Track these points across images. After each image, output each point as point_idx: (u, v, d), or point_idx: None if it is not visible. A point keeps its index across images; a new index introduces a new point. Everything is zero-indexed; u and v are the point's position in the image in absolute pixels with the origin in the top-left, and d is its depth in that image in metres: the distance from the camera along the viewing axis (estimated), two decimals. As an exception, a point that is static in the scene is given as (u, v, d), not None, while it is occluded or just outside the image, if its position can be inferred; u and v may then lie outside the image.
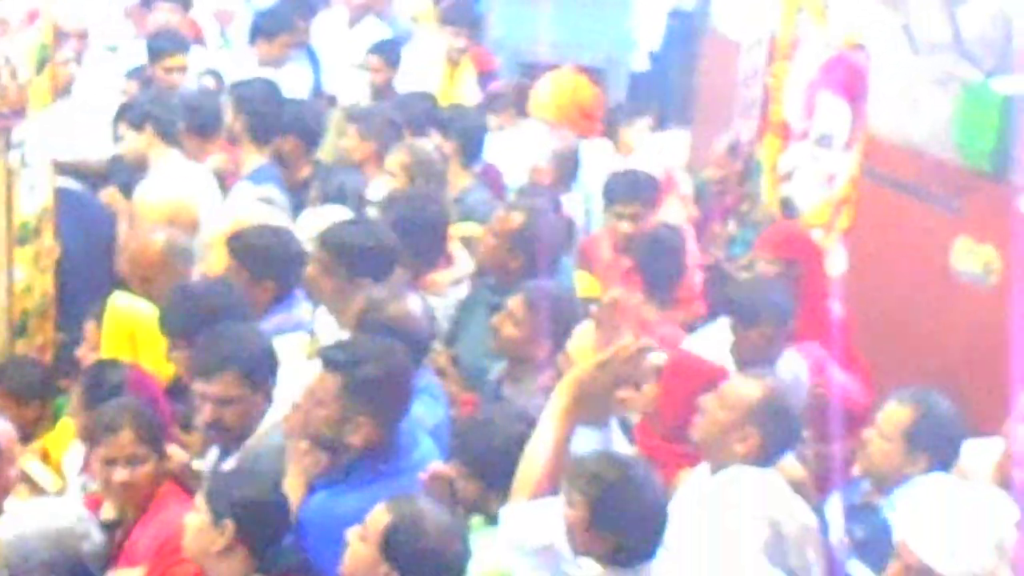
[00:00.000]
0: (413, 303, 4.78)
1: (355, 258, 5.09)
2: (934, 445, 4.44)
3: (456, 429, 4.41)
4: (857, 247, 6.66)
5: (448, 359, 5.28)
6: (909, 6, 6.01)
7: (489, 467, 4.06)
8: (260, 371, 4.45)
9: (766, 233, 6.43)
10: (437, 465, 4.21)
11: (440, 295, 5.58)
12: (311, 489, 4.18)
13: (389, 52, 8.36)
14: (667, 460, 4.61)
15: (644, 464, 3.98)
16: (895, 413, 4.50)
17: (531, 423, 4.10)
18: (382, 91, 8.13)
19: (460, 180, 6.66)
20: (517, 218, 5.61)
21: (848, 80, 7.11)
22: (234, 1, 9.77)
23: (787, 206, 7.48)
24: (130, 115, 6.52)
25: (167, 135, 6.41)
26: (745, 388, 4.47)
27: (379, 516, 3.69)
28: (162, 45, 7.88)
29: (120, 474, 4.16)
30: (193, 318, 4.68)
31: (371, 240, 5.17)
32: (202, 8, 9.50)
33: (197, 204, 6.07)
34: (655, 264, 6.08)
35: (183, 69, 7.84)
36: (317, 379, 4.23)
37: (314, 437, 4.20)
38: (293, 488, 4.14)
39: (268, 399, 4.48)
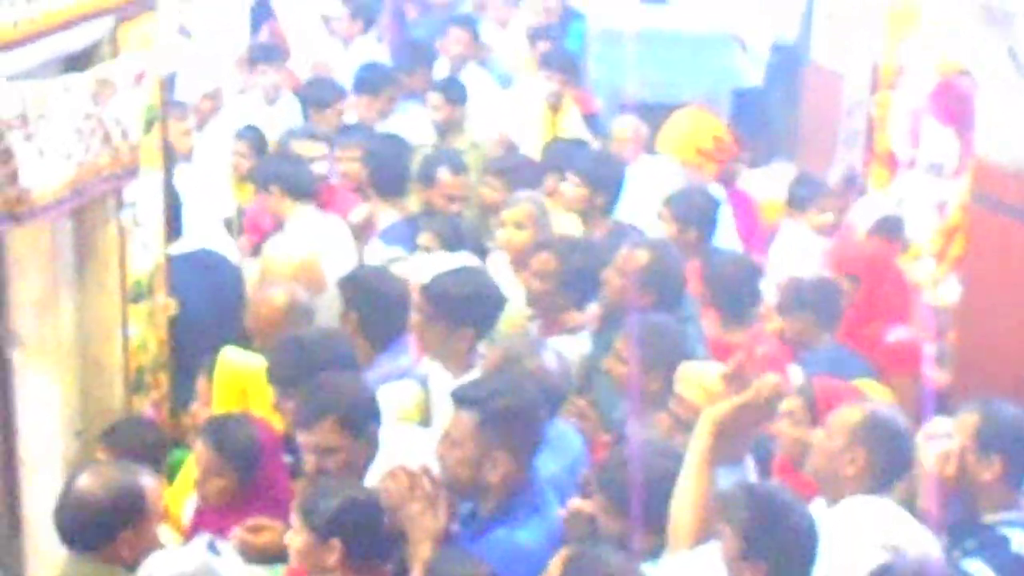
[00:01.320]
0: (549, 357, 4.82)
1: (457, 307, 5.11)
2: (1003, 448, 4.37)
3: (599, 466, 4.40)
4: (970, 274, 6.56)
5: (586, 403, 5.28)
6: (1014, 29, 5.92)
7: (632, 502, 4.06)
8: (360, 419, 4.47)
9: (832, 248, 6.52)
10: (576, 502, 4.23)
11: (575, 334, 5.68)
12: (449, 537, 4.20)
13: (451, 89, 8.38)
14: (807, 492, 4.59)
15: (791, 492, 4.02)
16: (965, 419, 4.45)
17: (674, 458, 4.15)
18: (445, 129, 8.15)
19: (600, 227, 6.68)
20: (643, 256, 5.67)
21: (954, 107, 7.04)
22: (333, 54, 9.91)
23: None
24: (255, 176, 6.74)
25: (295, 192, 6.53)
26: (847, 413, 4.44)
27: (559, 562, 3.78)
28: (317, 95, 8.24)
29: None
30: (299, 368, 4.72)
31: (473, 289, 5.18)
32: (299, 63, 9.63)
33: (324, 261, 6.13)
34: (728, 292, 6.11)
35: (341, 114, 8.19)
36: (451, 421, 4.27)
37: (452, 481, 4.21)
38: (418, 552, 4.11)
39: (372, 446, 4.49)
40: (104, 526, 4.18)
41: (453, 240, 6.27)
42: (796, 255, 7.07)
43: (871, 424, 4.38)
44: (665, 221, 6.62)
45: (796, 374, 5.54)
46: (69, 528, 4.21)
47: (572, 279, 5.68)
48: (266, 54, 8.99)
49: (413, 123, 8.26)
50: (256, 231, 6.88)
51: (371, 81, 8.51)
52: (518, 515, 4.18)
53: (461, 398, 4.28)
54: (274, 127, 8.16)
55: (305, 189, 6.61)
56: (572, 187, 6.75)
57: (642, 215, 7.01)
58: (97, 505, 4.17)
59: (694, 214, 6.60)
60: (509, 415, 4.18)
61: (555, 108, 8.58)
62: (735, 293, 6.03)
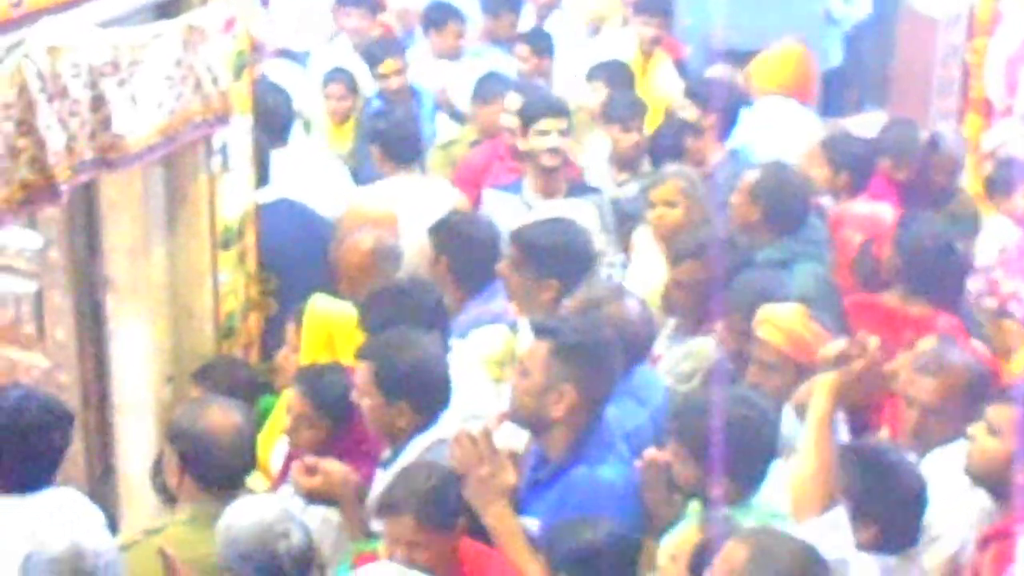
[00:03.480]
0: (632, 304, 4.77)
1: (545, 257, 5.08)
2: None
3: (676, 411, 4.37)
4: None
5: None
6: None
7: (709, 449, 4.02)
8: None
9: None
10: (652, 452, 4.20)
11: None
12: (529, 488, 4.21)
13: (538, 40, 8.25)
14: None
15: (898, 450, 4.03)
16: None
17: (751, 405, 4.13)
18: (532, 80, 7.93)
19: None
20: (753, 174, 5.77)
21: (1052, 54, 6.92)
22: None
23: (992, 185, 7.27)
24: (364, 129, 6.73)
25: (394, 156, 6.49)
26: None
27: (688, 537, 3.83)
28: (376, 51, 8.05)
29: (400, 556, 4.05)
30: (390, 318, 4.70)
31: (562, 241, 5.15)
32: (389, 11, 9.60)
33: (405, 220, 6.07)
34: None
35: (400, 72, 7.96)
36: (527, 349, 4.29)
37: (518, 410, 4.22)
38: (500, 516, 4.10)
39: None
40: (240, 464, 4.27)
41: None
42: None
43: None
44: (818, 164, 6.51)
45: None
46: (203, 465, 4.24)
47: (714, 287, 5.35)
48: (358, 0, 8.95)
49: (499, 68, 8.24)
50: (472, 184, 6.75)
51: (435, 18, 8.49)
52: (594, 453, 4.17)
53: (537, 328, 4.31)
54: (363, 74, 8.16)
55: (405, 155, 6.51)
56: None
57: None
58: (235, 443, 4.24)
59: (848, 159, 6.48)
60: (581, 349, 4.17)
61: (648, 55, 8.48)
62: (928, 267, 5.64)
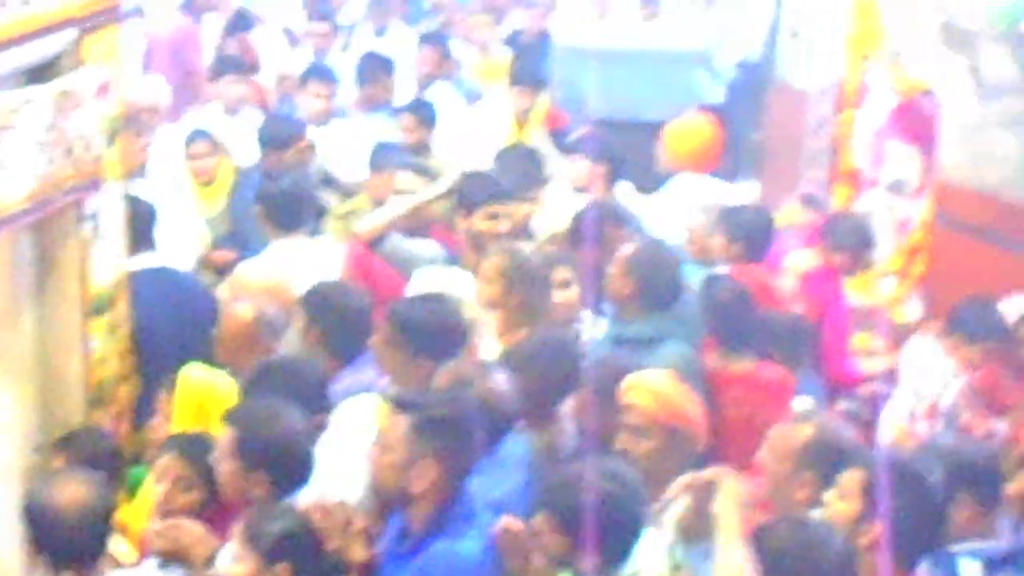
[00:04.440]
0: (499, 380, 4.75)
1: (417, 336, 5.05)
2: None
3: (546, 484, 4.35)
4: (932, 294, 6.59)
5: None
6: (976, 49, 5.96)
7: (579, 522, 4.01)
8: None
9: None
10: (507, 520, 4.18)
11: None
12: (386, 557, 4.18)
13: (422, 111, 8.33)
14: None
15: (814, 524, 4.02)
16: None
17: (619, 478, 4.13)
18: (417, 151, 8.02)
19: None
20: (630, 248, 5.81)
21: (917, 126, 7.07)
22: (296, 65, 9.90)
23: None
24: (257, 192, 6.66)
25: (275, 219, 6.41)
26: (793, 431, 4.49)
27: None
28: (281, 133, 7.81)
29: None
30: (271, 394, 4.65)
31: (434, 319, 5.12)
32: (266, 74, 9.62)
33: (297, 284, 5.97)
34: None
35: (310, 149, 7.84)
36: (386, 424, 4.24)
37: (379, 486, 4.20)
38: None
39: None
40: (91, 541, 4.17)
41: None
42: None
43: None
44: (717, 234, 6.66)
45: (803, 402, 5.55)
46: (51, 542, 4.16)
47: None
48: (233, 65, 8.97)
49: (377, 134, 8.27)
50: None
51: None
52: (454, 527, 4.13)
53: (397, 402, 4.27)
54: (233, 140, 8.14)
55: (286, 219, 6.43)
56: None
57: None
58: (85, 519, 4.14)
59: (742, 230, 6.62)
60: (442, 423, 4.15)
61: (522, 124, 8.58)
62: (733, 320, 5.87)
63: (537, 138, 8.48)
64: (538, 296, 5.67)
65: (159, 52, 9.90)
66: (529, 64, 9.23)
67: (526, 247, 5.96)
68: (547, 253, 5.99)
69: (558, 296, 5.82)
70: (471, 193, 6.34)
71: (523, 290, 5.60)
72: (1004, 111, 6.03)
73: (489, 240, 6.13)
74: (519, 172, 7.05)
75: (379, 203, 6.93)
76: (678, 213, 7.32)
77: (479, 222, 6.24)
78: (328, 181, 7.99)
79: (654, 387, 4.76)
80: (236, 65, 9.04)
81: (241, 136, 8.20)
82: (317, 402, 4.78)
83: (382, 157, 7.26)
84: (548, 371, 5.03)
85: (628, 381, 4.80)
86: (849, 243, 6.70)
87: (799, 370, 5.89)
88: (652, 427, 4.68)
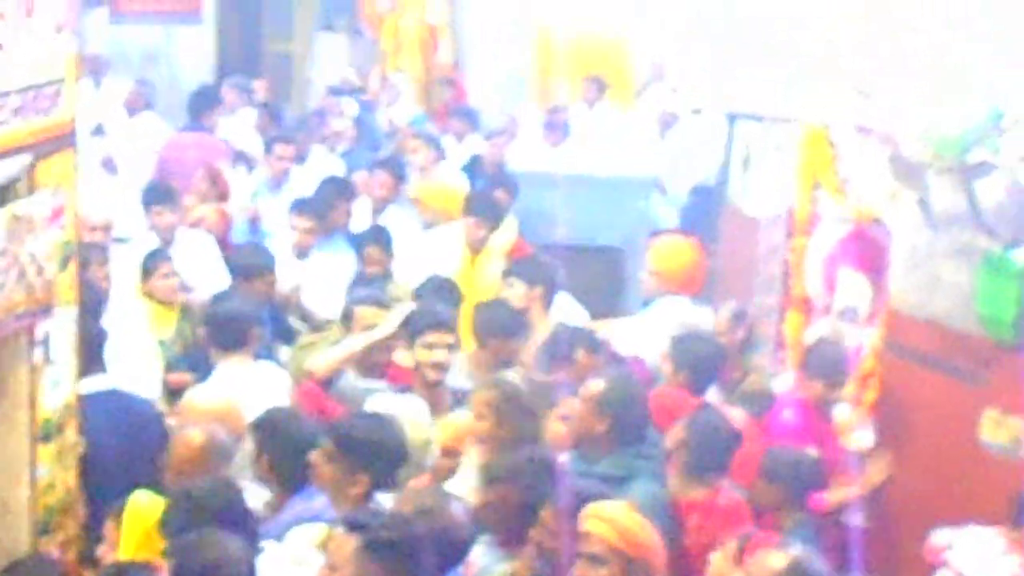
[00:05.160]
0: (457, 508, 4.78)
1: (357, 451, 5.09)
2: None
3: None
4: (884, 421, 6.62)
5: None
6: (925, 181, 6.04)
7: None
8: None
9: None
10: None
11: None
12: None
13: (383, 239, 8.44)
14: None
15: None
16: None
17: None
18: (375, 280, 8.14)
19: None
20: (598, 385, 5.78)
21: (868, 254, 7.13)
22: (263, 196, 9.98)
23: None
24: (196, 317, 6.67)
25: (220, 343, 6.55)
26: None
27: None
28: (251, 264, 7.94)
29: None
30: (188, 521, 4.64)
31: (375, 437, 5.16)
32: (234, 202, 9.66)
33: (246, 408, 5.99)
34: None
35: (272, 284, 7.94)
36: (333, 544, 4.24)
37: None
38: None
39: None
40: None
41: None
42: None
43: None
44: (664, 360, 6.77)
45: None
46: None
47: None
48: (159, 196, 8.90)
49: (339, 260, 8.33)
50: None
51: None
52: None
53: (347, 522, 4.28)
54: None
55: (231, 341, 6.56)
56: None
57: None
58: None
59: (688, 358, 6.66)
60: (391, 545, 4.14)
61: (475, 252, 8.61)
62: (699, 447, 5.84)
63: (490, 267, 8.49)
64: (529, 428, 5.66)
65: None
66: (485, 196, 9.24)
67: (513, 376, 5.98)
68: (538, 382, 5.96)
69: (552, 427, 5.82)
70: (412, 323, 6.41)
71: (514, 423, 5.62)
72: (952, 240, 6.09)
73: (427, 370, 6.16)
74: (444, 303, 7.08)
75: None
76: (658, 336, 7.34)
77: (419, 351, 6.30)
78: (306, 316, 8.08)
79: (612, 517, 4.76)
80: (164, 195, 8.95)
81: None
82: (239, 524, 4.73)
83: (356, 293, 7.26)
84: (531, 488, 5.04)
85: (588, 510, 4.81)
86: (825, 372, 6.76)
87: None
88: (609, 556, 4.68)
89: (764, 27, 8.82)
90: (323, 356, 6.48)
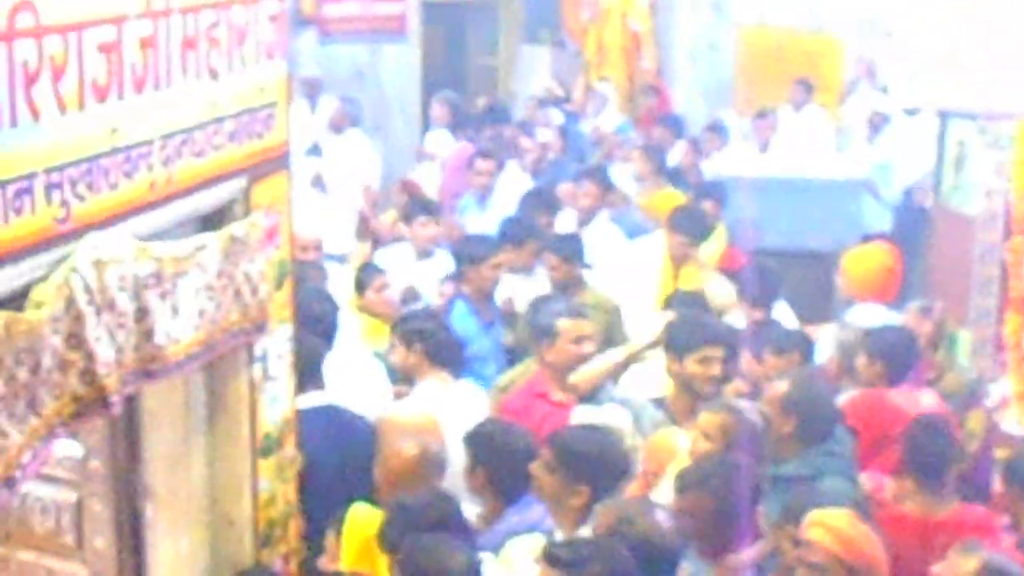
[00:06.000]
0: (661, 518, 4.73)
1: (578, 463, 5.10)
2: None
3: None
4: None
5: None
6: None
7: None
8: None
9: None
10: None
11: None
12: None
13: (567, 248, 8.31)
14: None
15: None
16: None
17: None
18: (565, 287, 8.04)
19: None
20: (783, 385, 5.83)
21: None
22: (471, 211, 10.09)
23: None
24: (403, 329, 6.75)
25: (435, 355, 6.61)
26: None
27: None
28: (474, 250, 8.10)
29: None
30: (405, 532, 4.70)
31: (596, 448, 5.17)
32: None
33: (445, 425, 6.07)
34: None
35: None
36: None
37: None
38: None
39: None
40: None
41: None
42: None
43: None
44: (861, 355, 6.84)
45: None
46: None
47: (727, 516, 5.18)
48: (424, 208, 9.08)
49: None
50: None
51: (513, 235, 8.57)
52: None
53: (551, 558, 4.24)
54: (426, 282, 8.28)
55: (446, 355, 6.65)
56: None
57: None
58: None
59: (882, 348, 6.78)
60: None
61: (678, 265, 8.53)
62: (934, 460, 5.78)
63: (693, 279, 8.42)
64: (754, 453, 5.60)
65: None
66: (688, 210, 9.06)
67: (744, 404, 5.94)
68: (764, 413, 5.90)
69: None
70: (682, 337, 6.34)
71: (740, 447, 5.55)
72: None
73: (701, 384, 6.13)
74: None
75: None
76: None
77: (691, 366, 6.23)
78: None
79: (834, 525, 4.72)
80: (427, 207, 9.14)
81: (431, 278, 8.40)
82: (462, 538, 4.78)
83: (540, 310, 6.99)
84: (722, 493, 5.02)
85: (810, 518, 4.76)
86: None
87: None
88: (832, 565, 4.64)
89: (976, 22, 8.63)
90: (585, 371, 6.45)
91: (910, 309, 7.68)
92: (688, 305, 7.32)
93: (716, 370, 6.21)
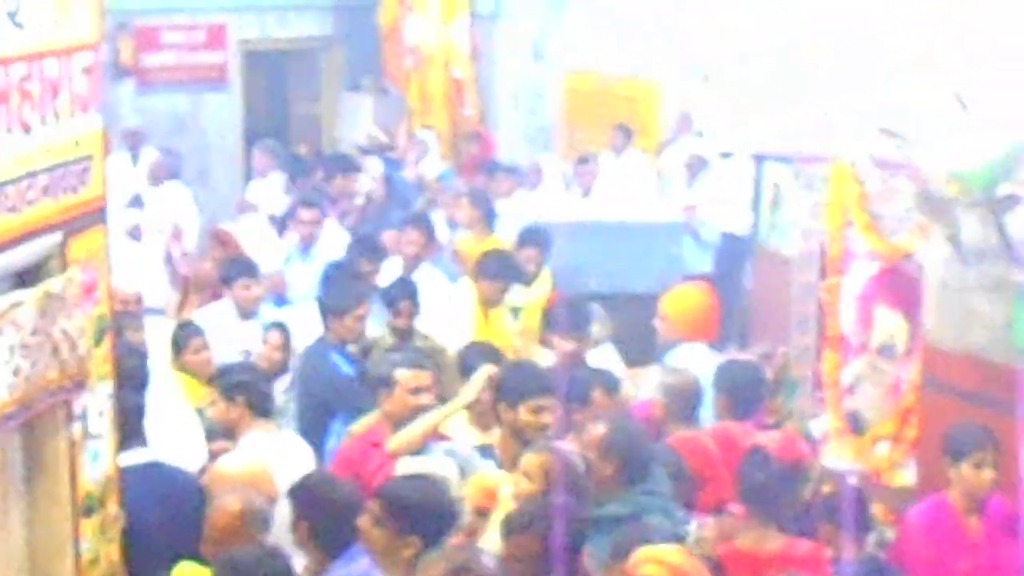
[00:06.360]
0: (490, 563, 4.76)
1: (407, 513, 5.09)
2: None
3: None
4: (924, 457, 6.58)
5: None
6: (955, 216, 6.03)
7: None
8: None
9: None
10: None
11: None
12: None
13: (413, 296, 8.38)
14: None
15: None
16: None
17: None
18: (402, 333, 8.18)
19: None
20: (600, 428, 5.82)
21: (901, 290, 7.13)
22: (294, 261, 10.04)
23: (853, 420, 7.43)
24: (223, 383, 6.69)
25: (257, 407, 6.58)
26: None
27: None
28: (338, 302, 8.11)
29: None
30: None
31: (425, 497, 5.17)
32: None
33: (275, 475, 6.06)
34: None
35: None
36: None
37: None
38: None
39: None
40: None
41: None
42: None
43: None
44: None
45: None
46: None
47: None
48: (243, 269, 8.99)
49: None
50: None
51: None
52: None
53: None
54: (249, 343, 8.21)
55: (268, 407, 6.67)
56: None
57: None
58: None
59: (728, 384, 7.06)
60: None
61: (489, 307, 8.71)
62: (765, 491, 5.95)
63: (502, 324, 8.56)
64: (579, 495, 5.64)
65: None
66: (494, 255, 9.19)
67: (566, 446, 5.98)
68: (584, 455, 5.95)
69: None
70: (517, 385, 6.36)
71: (562, 488, 5.58)
72: (985, 274, 6.07)
73: (532, 432, 6.17)
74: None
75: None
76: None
77: (524, 414, 6.25)
78: None
79: (667, 559, 4.82)
80: (246, 269, 9.05)
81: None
82: None
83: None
84: (547, 536, 5.08)
85: (641, 554, 4.83)
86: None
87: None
88: None
89: (789, 68, 8.85)
90: (404, 435, 6.40)
91: (752, 353, 7.85)
92: (482, 355, 7.28)
93: (548, 419, 6.25)
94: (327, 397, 7.65)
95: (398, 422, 6.45)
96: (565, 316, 7.80)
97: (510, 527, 5.18)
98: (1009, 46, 6.09)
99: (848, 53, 7.76)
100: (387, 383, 6.58)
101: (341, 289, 8.47)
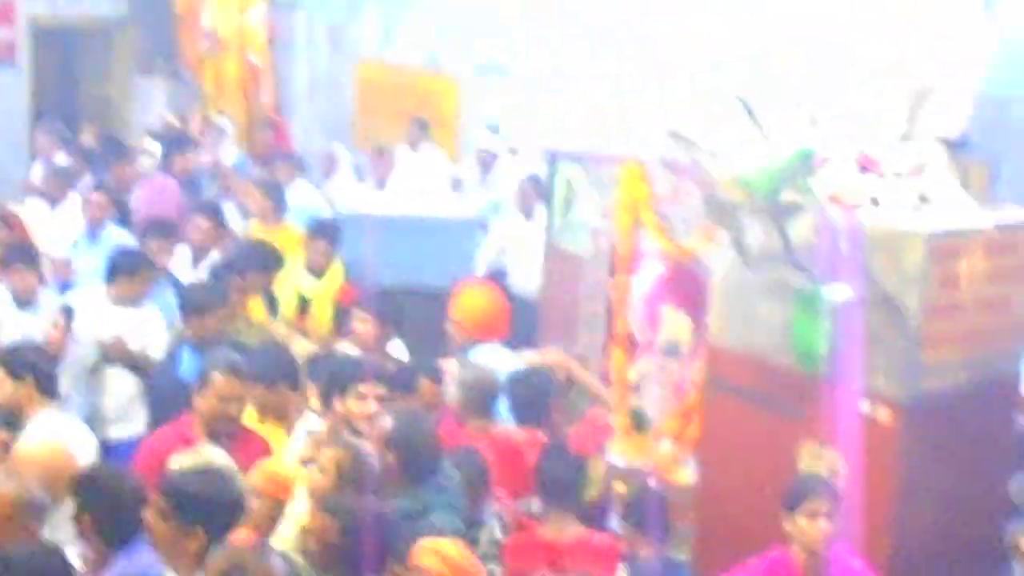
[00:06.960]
0: (276, 563, 4.75)
1: (192, 506, 5.03)
2: None
3: None
4: (706, 456, 6.72)
5: None
6: (739, 221, 6.16)
7: None
8: None
9: None
10: None
11: None
12: None
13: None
14: None
15: None
16: None
17: None
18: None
19: None
20: (387, 422, 5.95)
21: (687, 291, 7.26)
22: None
23: (637, 418, 7.55)
24: (11, 362, 6.55)
25: (45, 388, 6.48)
26: None
27: None
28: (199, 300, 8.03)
29: None
30: None
31: (209, 490, 5.12)
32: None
33: (75, 456, 5.92)
34: None
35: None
36: None
37: None
38: None
39: None
40: None
41: None
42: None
43: None
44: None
45: None
46: None
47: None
48: (21, 255, 8.73)
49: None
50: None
51: (124, 265, 8.40)
52: None
53: None
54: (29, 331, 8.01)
55: (55, 389, 6.58)
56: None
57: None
58: None
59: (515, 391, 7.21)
60: None
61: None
62: (561, 484, 6.18)
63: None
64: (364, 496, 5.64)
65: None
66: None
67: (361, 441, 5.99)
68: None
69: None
70: (340, 375, 6.45)
71: (353, 489, 5.59)
72: (767, 278, 6.21)
73: (358, 421, 6.17)
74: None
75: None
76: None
77: (350, 403, 6.33)
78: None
79: (443, 551, 4.98)
80: (24, 254, 8.79)
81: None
82: None
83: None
84: (350, 526, 5.18)
85: (420, 545, 4.99)
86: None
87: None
88: None
89: (581, 66, 8.94)
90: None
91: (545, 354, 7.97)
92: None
93: (373, 407, 6.33)
94: (164, 393, 7.49)
95: (207, 422, 6.37)
96: (375, 303, 7.85)
97: (324, 506, 5.29)
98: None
99: (638, 53, 7.86)
100: (204, 380, 6.46)
101: (205, 288, 8.39)
